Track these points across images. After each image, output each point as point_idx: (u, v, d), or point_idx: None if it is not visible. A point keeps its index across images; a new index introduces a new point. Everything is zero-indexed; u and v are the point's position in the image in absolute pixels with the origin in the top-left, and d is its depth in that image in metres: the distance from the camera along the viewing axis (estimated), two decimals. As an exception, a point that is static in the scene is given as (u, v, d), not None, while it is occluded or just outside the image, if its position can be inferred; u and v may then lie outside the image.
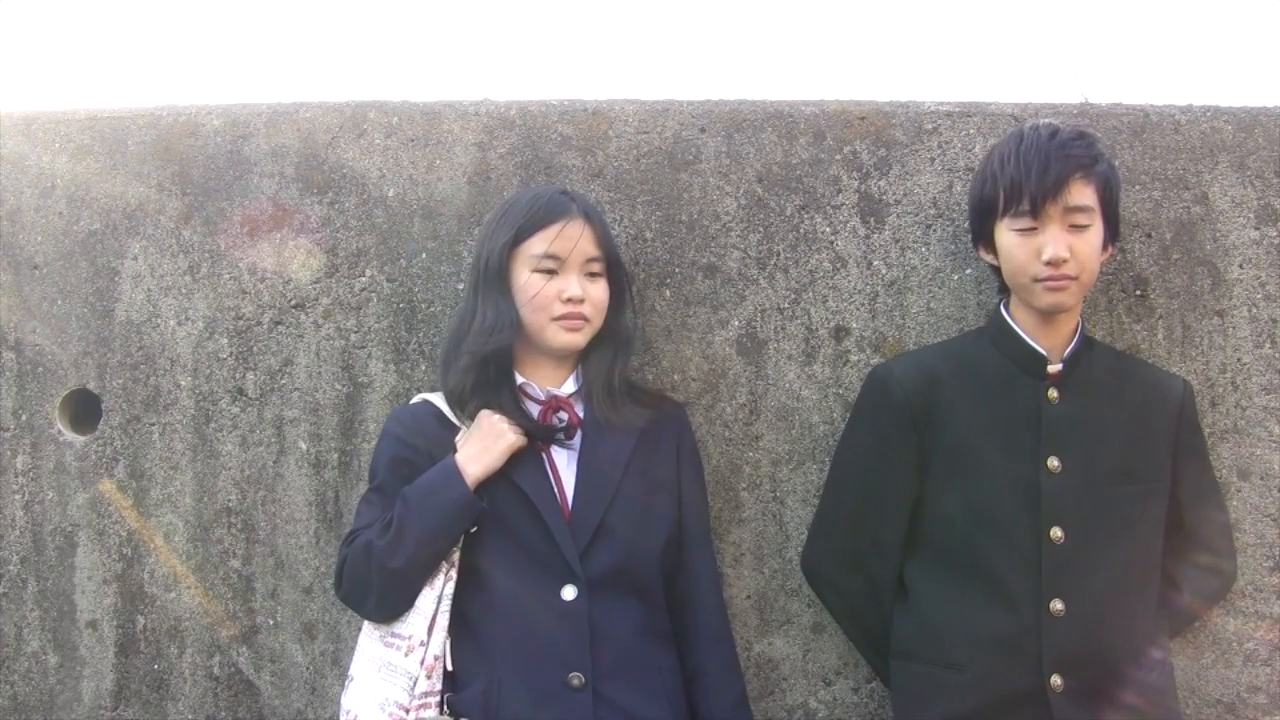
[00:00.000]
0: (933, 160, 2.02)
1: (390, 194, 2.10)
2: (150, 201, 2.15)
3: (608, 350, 1.81)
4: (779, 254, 2.03)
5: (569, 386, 1.81)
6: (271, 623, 2.09)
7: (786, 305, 2.03)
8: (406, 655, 1.66)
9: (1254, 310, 1.98)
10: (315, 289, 2.10)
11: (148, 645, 2.12)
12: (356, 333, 2.09)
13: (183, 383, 2.13)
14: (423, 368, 2.06)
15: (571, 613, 1.67)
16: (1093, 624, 1.68)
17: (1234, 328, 1.98)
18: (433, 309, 2.07)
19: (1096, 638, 1.68)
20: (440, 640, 1.67)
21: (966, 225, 1.92)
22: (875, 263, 2.02)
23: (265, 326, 2.11)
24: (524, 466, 1.72)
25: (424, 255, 2.08)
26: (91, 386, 2.16)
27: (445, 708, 1.65)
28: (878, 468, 1.80)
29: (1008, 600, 1.69)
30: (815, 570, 1.89)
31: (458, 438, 1.74)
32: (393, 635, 1.69)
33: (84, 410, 2.19)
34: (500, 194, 2.05)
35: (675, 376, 2.03)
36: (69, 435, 2.16)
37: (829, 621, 1.96)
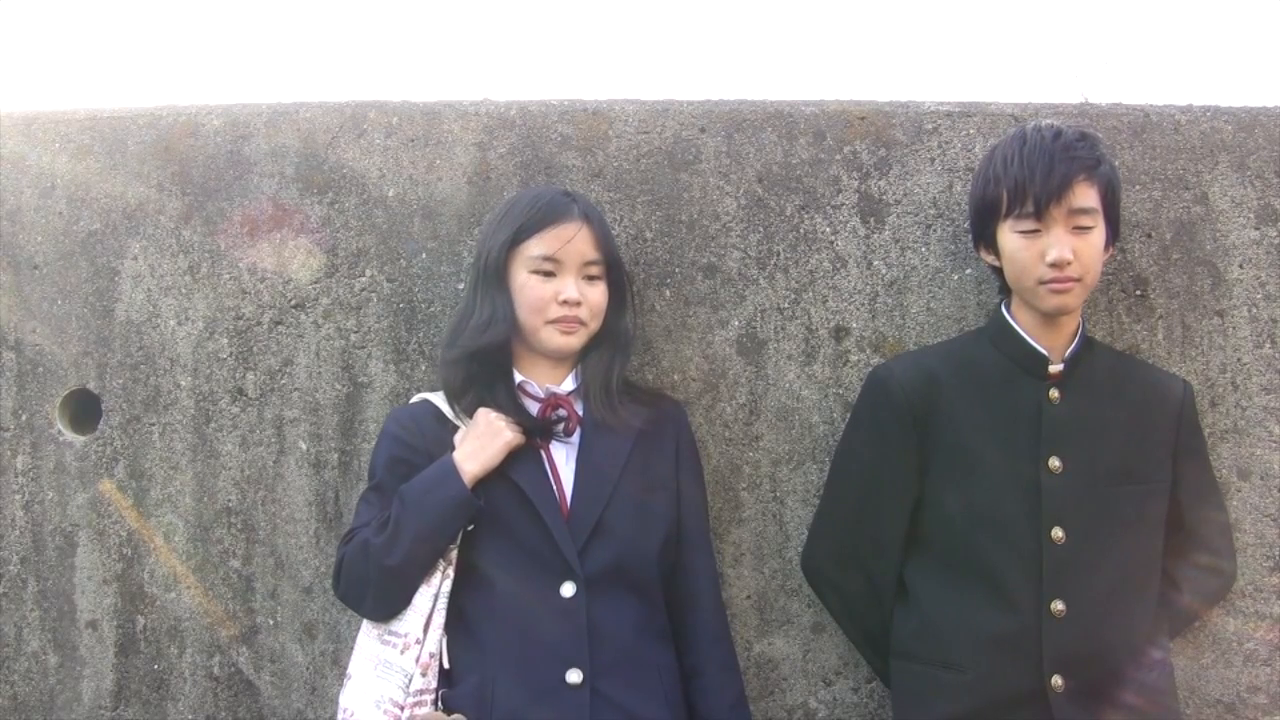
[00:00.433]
0: (933, 160, 2.02)
1: (390, 194, 2.10)
2: (150, 201, 2.15)
3: (606, 351, 1.81)
4: (779, 254, 2.03)
5: (568, 384, 1.81)
6: (271, 623, 2.09)
7: (786, 305, 2.03)
8: (402, 653, 1.67)
9: (1254, 310, 1.98)
10: (315, 289, 2.10)
11: (148, 645, 2.12)
12: (356, 333, 2.09)
13: (183, 383, 2.13)
14: (423, 368, 2.06)
15: (570, 610, 1.67)
16: (1093, 624, 1.68)
17: (1234, 328, 1.98)
18: (433, 309, 2.07)
19: (1097, 638, 1.68)
20: (436, 638, 1.67)
21: (966, 225, 1.92)
22: (875, 263, 2.02)
23: (265, 326, 2.11)
24: (522, 465, 1.72)
25: (424, 255, 2.08)
26: (91, 386, 2.16)
27: (439, 703, 1.66)
28: (878, 468, 1.80)
29: (1008, 600, 1.69)
30: (815, 570, 1.89)
31: (456, 436, 1.74)
32: (390, 633, 1.69)
33: (84, 410, 2.19)
34: (500, 194, 2.05)
35: (675, 376, 2.03)
36: (69, 435, 2.16)
37: (829, 621, 1.96)
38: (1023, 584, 1.69)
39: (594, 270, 1.77)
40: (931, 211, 2.02)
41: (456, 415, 1.77)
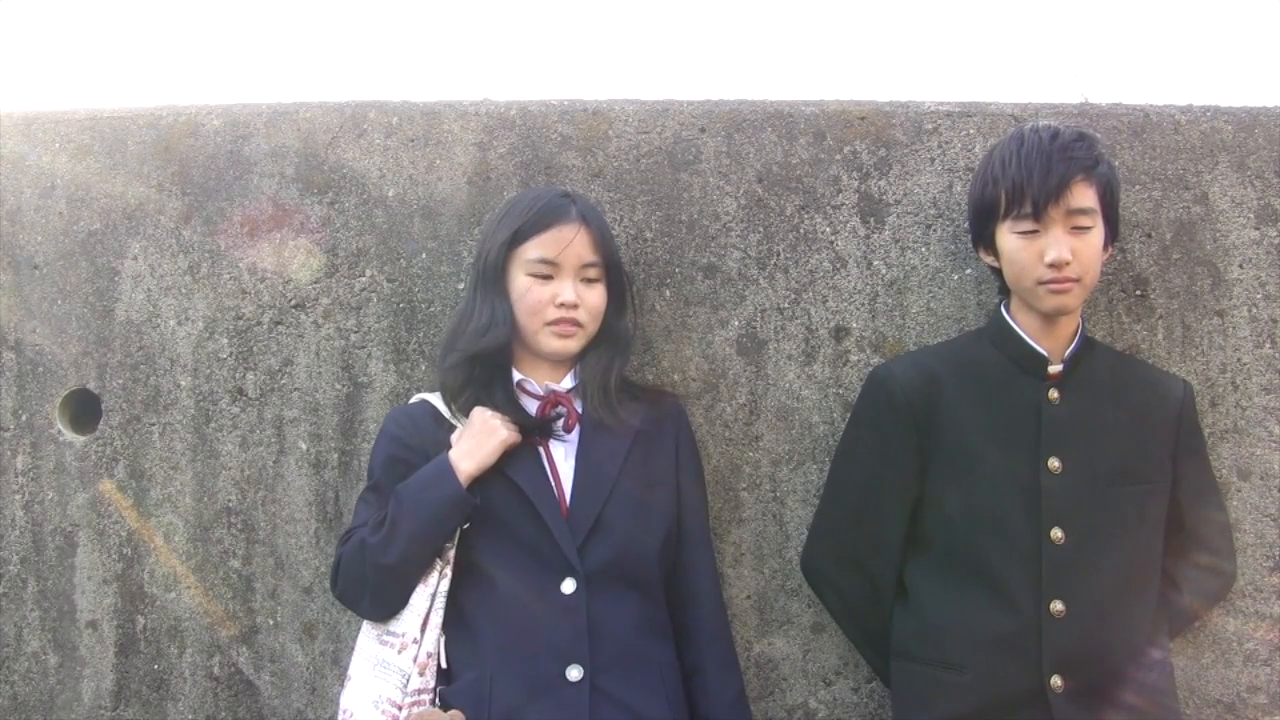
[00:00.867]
0: (933, 160, 2.02)
1: (390, 194, 2.10)
2: (150, 201, 2.15)
3: (605, 352, 1.81)
4: (779, 254, 2.03)
5: (568, 382, 1.81)
6: (271, 623, 2.09)
7: (786, 305, 2.03)
8: (400, 653, 1.67)
9: (1254, 310, 1.98)
10: (315, 289, 2.10)
11: (148, 645, 2.12)
12: (356, 333, 2.09)
13: (183, 383, 2.13)
14: (423, 368, 2.06)
15: (571, 606, 1.67)
16: (1093, 624, 1.68)
17: (1234, 328, 1.98)
18: (433, 309, 2.07)
19: (1097, 638, 1.68)
20: (434, 638, 1.68)
21: (966, 225, 1.92)
22: (875, 263, 2.02)
23: (265, 326, 2.11)
24: (521, 463, 1.72)
25: (424, 255, 2.08)
26: (91, 386, 2.16)
27: (437, 700, 1.66)
28: (878, 468, 1.80)
29: (1008, 601, 1.69)
30: (815, 570, 1.89)
31: (453, 436, 1.74)
32: (388, 633, 1.69)
33: (84, 410, 2.19)
34: (500, 194, 2.05)
35: (675, 376, 2.03)
36: (69, 435, 2.16)
37: (829, 621, 1.96)
38: (1022, 584, 1.69)
39: (592, 272, 1.77)
40: (931, 211, 2.02)
41: (453, 415, 1.77)
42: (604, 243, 1.79)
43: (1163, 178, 2.00)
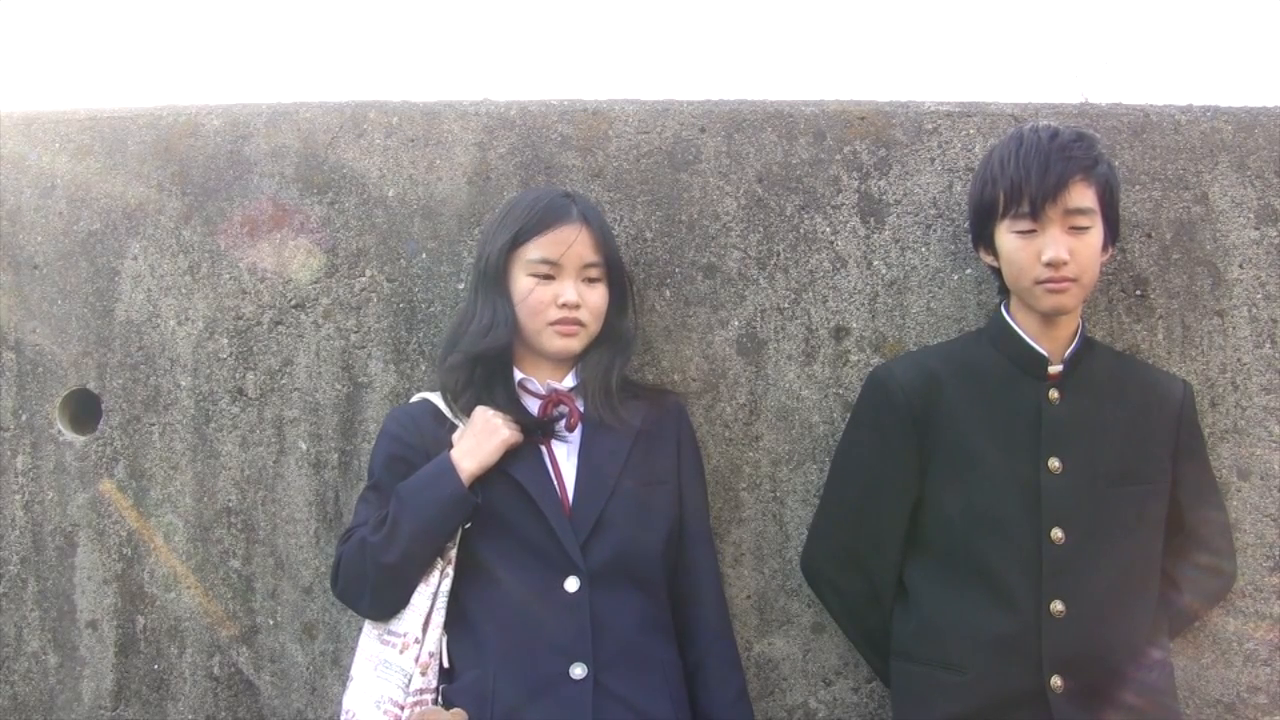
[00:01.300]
0: (933, 160, 2.02)
1: (390, 194, 2.10)
2: (150, 201, 2.15)
3: (606, 352, 1.81)
4: (779, 254, 2.03)
5: (569, 381, 1.81)
6: (271, 623, 2.09)
7: (786, 305, 2.03)
8: (401, 652, 1.67)
9: (1254, 310, 1.98)
10: (315, 289, 2.10)
11: (148, 645, 2.12)
12: (356, 333, 2.09)
13: (183, 383, 2.13)
14: (423, 368, 2.06)
15: (574, 604, 1.67)
16: (1093, 625, 1.68)
17: (1234, 328, 1.98)
18: (433, 309, 2.07)
19: (1097, 638, 1.68)
20: (435, 637, 1.68)
21: (966, 225, 1.92)
22: (875, 263, 2.02)
23: (265, 326, 2.11)
24: (523, 462, 1.72)
25: (424, 255, 2.08)
26: (91, 386, 2.16)
27: (439, 699, 1.66)
28: (878, 469, 1.80)
29: (1008, 601, 1.69)
30: (815, 571, 1.89)
31: (454, 435, 1.74)
32: (389, 633, 1.69)
33: (84, 410, 2.19)
34: (500, 194, 2.05)
35: (675, 376, 2.03)
36: (69, 435, 2.16)
37: (829, 621, 1.96)
38: (1022, 584, 1.69)
39: (593, 272, 1.77)
40: (931, 211, 2.02)
41: (454, 414, 1.77)
42: (605, 243, 1.79)
43: (1163, 178, 2.00)
